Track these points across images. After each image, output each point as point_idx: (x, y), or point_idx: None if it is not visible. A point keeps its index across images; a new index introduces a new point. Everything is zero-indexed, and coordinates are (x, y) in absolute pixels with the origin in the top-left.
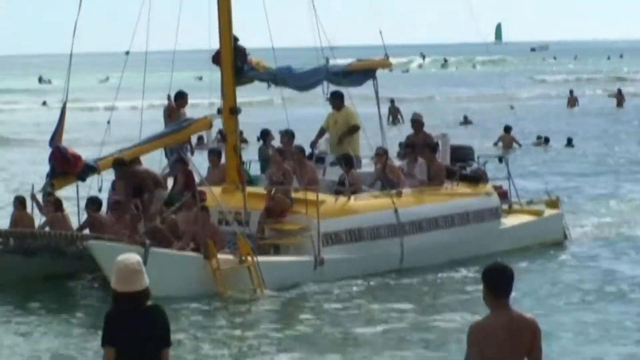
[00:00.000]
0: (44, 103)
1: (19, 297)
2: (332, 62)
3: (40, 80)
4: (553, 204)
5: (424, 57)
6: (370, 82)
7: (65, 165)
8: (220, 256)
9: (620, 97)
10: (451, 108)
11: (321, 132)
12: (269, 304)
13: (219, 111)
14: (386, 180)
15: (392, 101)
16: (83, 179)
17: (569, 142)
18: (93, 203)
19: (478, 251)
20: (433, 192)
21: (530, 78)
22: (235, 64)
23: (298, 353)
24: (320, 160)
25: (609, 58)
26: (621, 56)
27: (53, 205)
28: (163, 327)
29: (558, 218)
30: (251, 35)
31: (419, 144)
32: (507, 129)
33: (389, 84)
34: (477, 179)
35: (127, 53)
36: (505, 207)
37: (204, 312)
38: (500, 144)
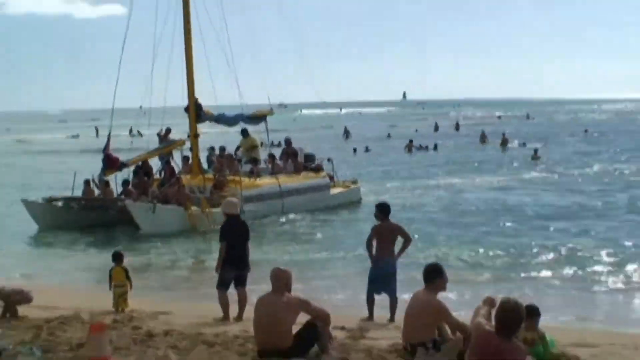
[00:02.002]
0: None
1: (81, 234)
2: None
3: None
4: (355, 182)
5: (340, 109)
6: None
7: (110, 163)
8: (192, 208)
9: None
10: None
11: (238, 148)
12: (215, 233)
13: (188, 136)
14: (273, 171)
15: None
16: (120, 170)
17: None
18: (125, 182)
19: (318, 205)
20: (295, 176)
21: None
22: (196, 112)
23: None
24: (239, 160)
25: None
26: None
27: (105, 184)
28: (246, 231)
29: (357, 190)
30: (209, 95)
31: (290, 153)
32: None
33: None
34: (317, 169)
35: (141, 107)
36: (332, 183)
37: (184, 236)
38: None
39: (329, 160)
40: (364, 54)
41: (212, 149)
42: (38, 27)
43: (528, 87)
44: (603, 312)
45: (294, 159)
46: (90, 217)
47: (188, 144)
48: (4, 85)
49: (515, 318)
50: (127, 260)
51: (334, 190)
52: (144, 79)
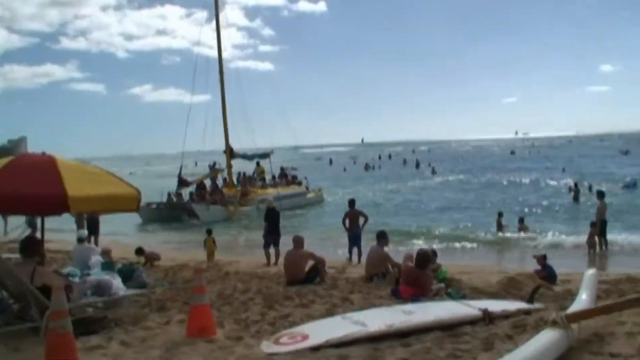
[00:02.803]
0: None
1: (167, 224)
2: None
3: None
4: (320, 190)
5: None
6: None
7: (182, 182)
8: (229, 208)
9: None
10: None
11: (253, 173)
12: (243, 220)
13: (225, 166)
14: (275, 184)
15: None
16: (188, 186)
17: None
18: (191, 194)
19: (300, 203)
20: (287, 187)
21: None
22: (230, 152)
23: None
24: (255, 179)
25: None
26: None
27: (179, 195)
28: (278, 215)
29: (322, 195)
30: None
31: (285, 174)
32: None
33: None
34: (300, 182)
35: (198, 150)
36: (307, 191)
37: (226, 224)
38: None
39: (305, 178)
40: (328, 105)
41: (239, 173)
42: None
43: (436, 130)
44: (477, 257)
45: (285, 177)
46: (170, 215)
47: (226, 171)
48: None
49: (425, 258)
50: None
51: (309, 195)
52: (201, 134)
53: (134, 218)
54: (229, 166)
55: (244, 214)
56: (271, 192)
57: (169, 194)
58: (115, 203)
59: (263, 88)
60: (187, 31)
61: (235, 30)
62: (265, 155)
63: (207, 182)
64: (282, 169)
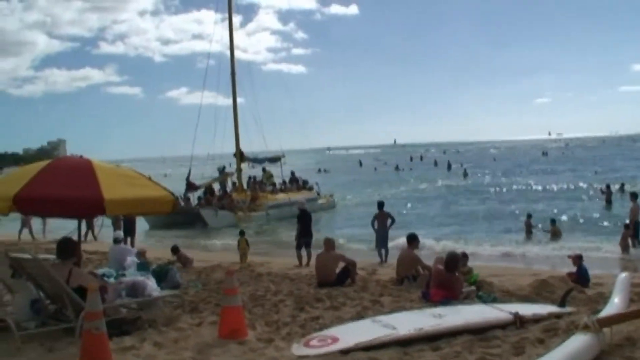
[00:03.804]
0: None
1: (172, 229)
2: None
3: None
4: (332, 196)
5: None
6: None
7: (190, 186)
8: (238, 213)
9: (421, 157)
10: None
11: (262, 177)
12: (255, 223)
13: (235, 170)
14: (286, 189)
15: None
16: (196, 190)
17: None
18: (199, 198)
19: (311, 209)
20: (297, 193)
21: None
22: (240, 156)
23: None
24: (265, 184)
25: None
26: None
27: (187, 199)
28: (310, 217)
29: (333, 200)
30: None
31: (295, 179)
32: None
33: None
34: (311, 188)
35: (208, 154)
36: (318, 197)
37: (235, 229)
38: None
39: (316, 183)
40: (360, 106)
41: (249, 178)
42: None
43: (467, 131)
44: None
45: (296, 183)
46: (178, 219)
47: (236, 175)
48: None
49: (455, 260)
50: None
51: (320, 201)
52: (210, 137)
53: (142, 223)
54: (239, 170)
55: (253, 220)
56: (281, 197)
57: (176, 198)
58: (149, 205)
59: (296, 90)
60: (222, 35)
61: (269, 34)
62: (276, 159)
63: (216, 187)
64: (292, 173)
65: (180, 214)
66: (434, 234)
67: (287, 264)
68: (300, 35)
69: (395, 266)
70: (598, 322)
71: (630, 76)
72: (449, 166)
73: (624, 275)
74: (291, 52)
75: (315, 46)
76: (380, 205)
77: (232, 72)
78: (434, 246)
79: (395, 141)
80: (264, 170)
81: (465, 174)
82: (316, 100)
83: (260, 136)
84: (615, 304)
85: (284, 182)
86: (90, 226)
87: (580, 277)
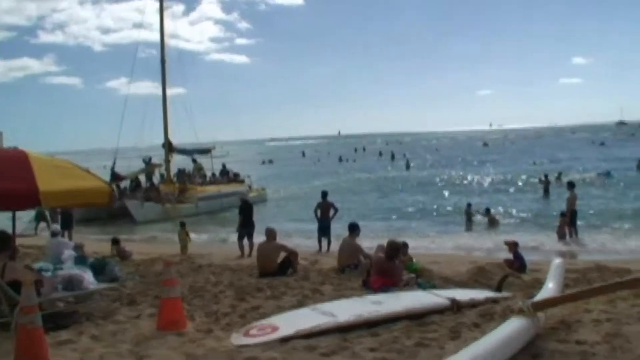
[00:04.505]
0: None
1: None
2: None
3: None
4: (264, 189)
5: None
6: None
7: (116, 177)
8: (166, 205)
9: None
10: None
11: (193, 169)
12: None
13: (164, 161)
14: (216, 182)
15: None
16: (122, 181)
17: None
18: (124, 189)
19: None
20: (228, 185)
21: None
22: (168, 147)
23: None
24: (194, 176)
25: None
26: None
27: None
28: (252, 208)
29: (265, 193)
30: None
31: (226, 172)
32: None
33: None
34: (242, 180)
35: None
36: (250, 189)
37: (161, 222)
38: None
39: (248, 176)
40: (305, 98)
41: (178, 170)
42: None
43: (411, 123)
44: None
45: (227, 175)
46: (102, 213)
47: (164, 167)
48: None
49: (395, 248)
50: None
51: (251, 194)
52: (137, 129)
53: None
54: (167, 161)
55: (181, 212)
56: (211, 189)
57: (113, 190)
58: (86, 197)
59: (239, 81)
60: (165, 25)
61: (212, 24)
62: (206, 150)
63: (143, 179)
64: (223, 165)
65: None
66: (374, 225)
67: (229, 255)
68: (243, 25)
69: (336, 255)
70: (532, 306)
71: (570, 69)
72: (392, 156)
73: (558, 260)
74: (234, 42)
75: (259, 36)
76: (324, 194)
77: (162, 59)
78: (375, 237)
79: (339, 132)
80: (194, 161)
81: (408, 165)
82: (259, 90)
83: (199, 127)
84: (550, 288)
85: (213, 174)
86: (44, 218)
87: (517, 263)
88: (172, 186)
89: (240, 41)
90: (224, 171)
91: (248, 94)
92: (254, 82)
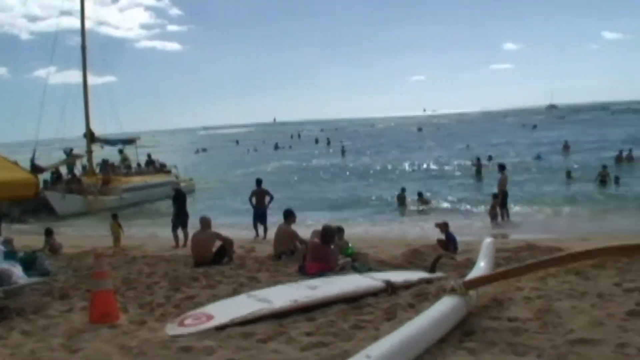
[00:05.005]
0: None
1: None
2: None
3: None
4: (191, 179)
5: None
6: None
7: (35, 168)
8: (88, 197)
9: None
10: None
11: (119, 160)
12: (105, 211)
13: (86, 152)
14: (142, 172)
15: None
16: (42, 172)
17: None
18: (45, 181)
19: (169, 193)
20: (154, 176)
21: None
22: (90, 137)
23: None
24: (118, 167)
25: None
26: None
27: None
28: (185, 197)
29: (193, 184)
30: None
31: (152, 162)
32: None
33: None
34: (169, 171)
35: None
36: (177, 180)
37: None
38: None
39: (175, 166)
40: (240, 85)
41: (103, 160)
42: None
43: (346, 109)
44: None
45: (153, 165)
46: (22, 203)
47: (86, 158)
48: None
49: (330, 233)
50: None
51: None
52: (59, 117)
53: None
54: (89, 152)
55: (105, 204)
56: (136, 180)
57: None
58: (12, 189)
59: (171, 68)
60: (93, 11)
61: (143, 10)
62: (131, 140)
63: (64, 170)
64: (148, 156)
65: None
66: (310, 214)
67: (163, 246)
68: (175, 11)
69: (272, 242)
70: (464, 285)
71: (501, 55)
72: (328, 142)
73: (488, 240)
74: (166, 28)
75: (191, 23)
76: (258, 182)
77: (83, 46)
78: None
79: (275, 119)
80: (120, 152)
81: (343, 151)
82: (192, 78)
83: (129, 116)
84: (481, 267)
85: (139, 165)
86: None
87: (449, 243)
88: (94, 178)
89: (172, 28)
90: (150, 161)
91: (180, 81)
92: (186, 69)
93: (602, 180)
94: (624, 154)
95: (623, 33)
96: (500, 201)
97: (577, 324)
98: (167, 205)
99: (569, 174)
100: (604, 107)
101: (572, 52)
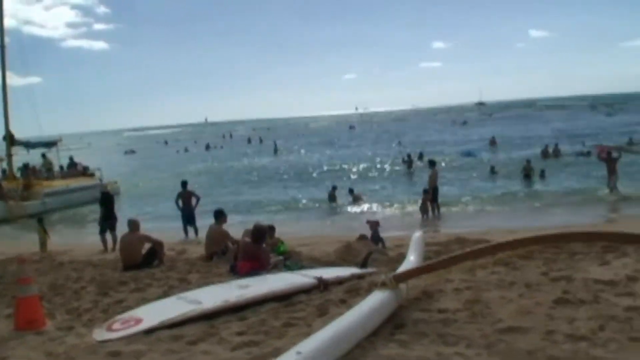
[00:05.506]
0: None
1: None
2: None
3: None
4: (116, 182)
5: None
6: None
7: None
8: (9, 202)
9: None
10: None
11: (41, 164)
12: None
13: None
14: (66, 176)
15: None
16: None
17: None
18: None
19: (94, 196)
20: (77, 179)
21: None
22: (10, 139)
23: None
24: (40, 171)
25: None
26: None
27: None
28: (112, 199)
29: (117, 187)
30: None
31: (74, 165)
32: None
33: None
34: (92, 174)
35: None
36: (101, 183)
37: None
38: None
39: (99, 169)
40: (170, 84)
41: (23, 164)
42: None
43: (279, 108)
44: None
45: (75, 168)
46: None
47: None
48: None
49: (261, 232)
50: None
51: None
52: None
53: None
54: (9, 155)
55: (27, 209)
56: (59, 184)
57: None
58: None
59: (98, 68)
60: (16, 10)
61: (69, 9)
62: (52, 143)
63: None
64: (71, 159)
65: None
66: (242, 216)
67: (91, 251)
68: (102, 9)
69: (204, 243)
70: (394, 279)
71: (431, 53)
72: (260, 141)
73: (418, 234)
74: (92, 27)
75: (118, 21)
76: (184, 184)
77: (1, 44)
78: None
79: (206, 119)
80: (43, 156)
81: (276, 150)
82: (120, 78)
83: (55, 118)
84: (411, 261)
85: (61, 168)
86: None
87: (376, 242)
88: (15, 182)
89: (99, 26)
90: (72, 164)
91: (108, 82)
92: (114, 69)
93: (527, 174)
94: (550, 148)
95: (549, 31)
96: (430, 196)
97: (505, 313)
98: (91, 210)
99: (492, 169)
100: (531, 104)
101: (500, 50)
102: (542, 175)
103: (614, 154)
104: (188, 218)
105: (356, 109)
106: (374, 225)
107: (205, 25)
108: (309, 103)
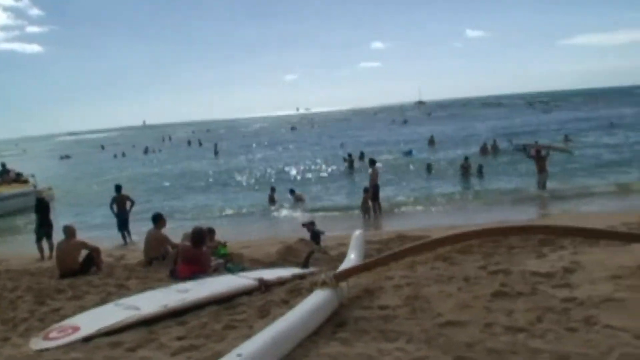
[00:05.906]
0: None
1: None
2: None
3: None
4: (50, 188)
5: None
6: None
7: None
8: None
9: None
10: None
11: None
12: None
13: None
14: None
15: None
16: None
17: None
18: None
19: (27, 204)
20: (9, 186)
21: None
22: None
23: None
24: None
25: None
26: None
27: None
28: (48, 206)
29: (52, 193)
30: None
31: (6, 171)
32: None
33: None
34: (26, 180)
35: None
36: (35, 189)
37: None
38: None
39: (32, 175)
40: (107, 87)
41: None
42: None
43: (218, 109)
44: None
45: (7, 176)
46: None
47: None
48: None
49: (200, 235)
50: None
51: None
52: None
53: None
54: None
55: None
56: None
57: None
58: None
59: (32, 72)
60: None
61: (1, 11)
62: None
63: None
64: (3, 165)
65: None
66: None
67: (28, 260)
68: (35, 11)
69: (142, 248)
70: (335, 277)
71: (370, 53)
72: (200, 144)
73: (358, 232)
74: (25, 30)
75: (53, 24)
76: (118, 188)
77: None
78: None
79: (144, 122)
80: None
81: (216, 152)
82: (55, 82)
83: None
84: (351, 259)
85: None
86: None
87: (316, 237)
88: None
89: (32, 29)
90: (4, 171)
91: (43, 85)
92: (48, 72)
93: (465, 171)
94: (489, 145)
95: (485, 31)
96: (371, 195)
97: (444, 308)
98: (26, 217)
99: (429, 168)
100: (468, 102)
101: (438, 50)
102: (480, 171)
103: (543, 152)
104: (123, 223)
105: (297, 109)
106: (310, 226)
107: (141, 26)
108: (250, 104)
